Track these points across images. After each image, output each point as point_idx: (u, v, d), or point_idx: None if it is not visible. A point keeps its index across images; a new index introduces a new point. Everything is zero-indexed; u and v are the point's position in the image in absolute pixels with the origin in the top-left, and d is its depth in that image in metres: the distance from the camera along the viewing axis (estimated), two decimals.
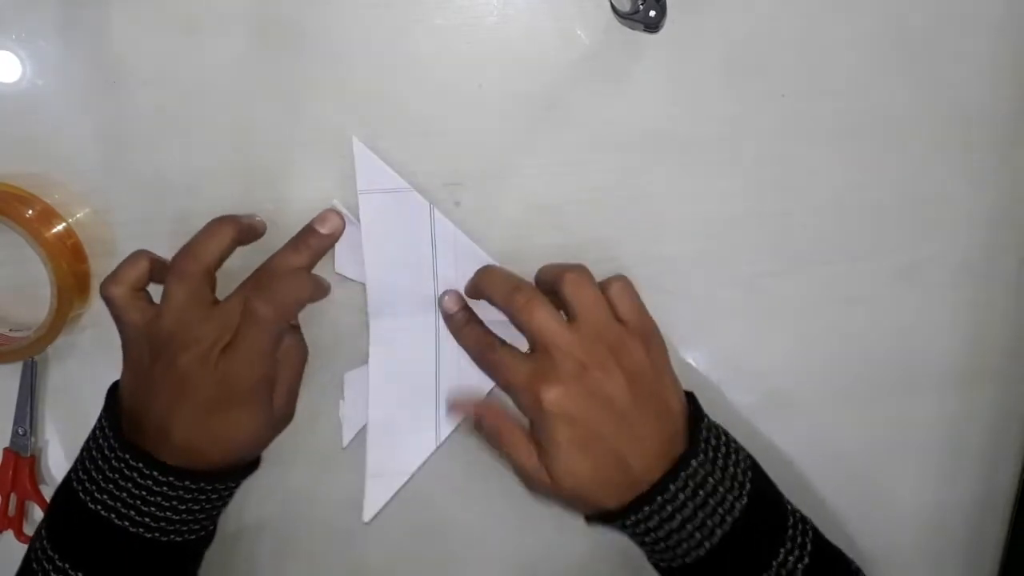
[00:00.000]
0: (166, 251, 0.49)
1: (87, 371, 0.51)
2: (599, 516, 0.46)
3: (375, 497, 0.52)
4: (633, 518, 0.44)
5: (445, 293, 0.49)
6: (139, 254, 0.45)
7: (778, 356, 0.54)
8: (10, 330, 0.49)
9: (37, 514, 0.53)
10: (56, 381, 0.51)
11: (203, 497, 0.44)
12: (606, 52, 0.49)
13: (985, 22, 0.50)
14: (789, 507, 0.47)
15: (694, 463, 0.44)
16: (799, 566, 0.44)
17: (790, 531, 0.45)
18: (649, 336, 0.47)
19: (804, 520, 0.47)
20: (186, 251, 0.44)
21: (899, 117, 0.51)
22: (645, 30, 0.47)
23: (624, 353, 0.45)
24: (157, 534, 0.43)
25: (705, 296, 0.52)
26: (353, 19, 0.47)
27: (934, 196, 0.53)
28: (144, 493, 0.42)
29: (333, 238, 0.48)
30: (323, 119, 0.48)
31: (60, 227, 0.48)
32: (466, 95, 0.49)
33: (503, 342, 0.47)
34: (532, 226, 0.51)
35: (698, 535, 0.43)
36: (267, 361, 0.44)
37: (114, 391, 0.46)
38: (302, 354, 0.48)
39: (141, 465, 0.42)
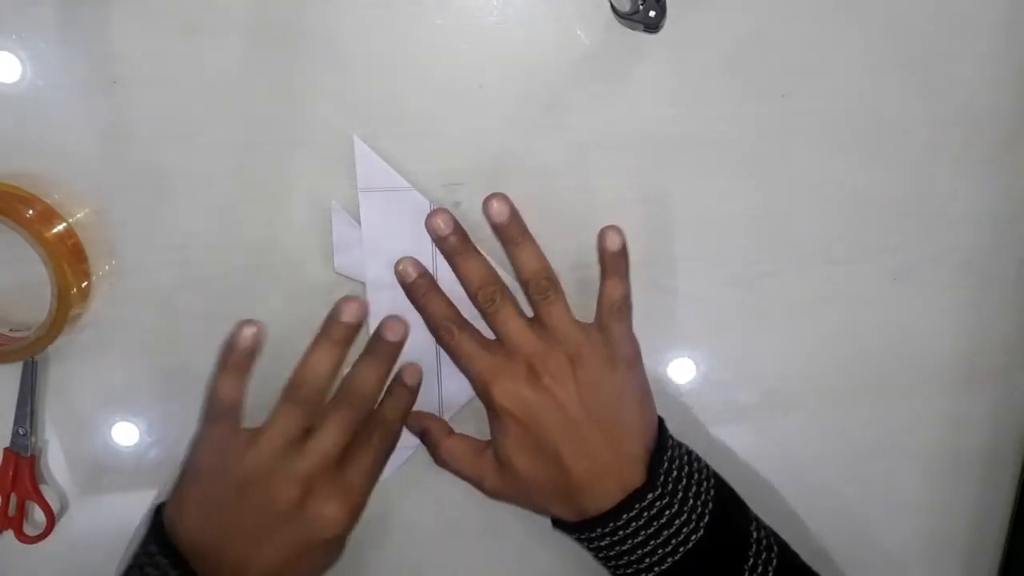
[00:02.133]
0: (165, 252, 0.49)
1: (87, 371, 0.51)
2: (557, 523, 0.47)
3: None
4: (586, 535, 0.45)
5: (400, 260, 0.48)
6: (229, 367, 0.45)
7: (778, 356, 0.54)
8: (10, 330, 0.49)
9: (37, 514, 0.53)
10: (56, 381, 0.51)
11: None
12: (606, 52, 0.49)
13: (986, 22, 0.50)
14: (755, 535, 0.46)
15: (650, 496, 0.44)
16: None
17: (751, 560, 0.45)
18: (619, 357, 0.46)
19: (770, 548, 0.46)
20: (297, 376, 0.45)
21: (899, 117, 0.51)
22: (645, 30, 0.47)
23: (582, 366, 0.45)
24: None
25: (705, 296, 0.52)
26: (353, 19, 0.47)
27: (934, 196, 0.53)
28: None
29: (400, 345, 0.47)
30: (323, 119, 0.48)
31: (60, 227, 0.48)
32: (466, 95, 0.49)
33: (464, 323, 0.47)
34: (531, 226, 0.51)
35: (648, 560, 0.44)
36: (363, 504, 0.45)
37: (159, 512, 0.45)
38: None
39: None
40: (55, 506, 0.53)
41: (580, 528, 0.45)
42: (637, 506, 0.44)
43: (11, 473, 0.52)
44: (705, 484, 0.46)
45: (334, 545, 0.45)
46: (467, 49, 0.48)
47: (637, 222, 0.51)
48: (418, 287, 0.48)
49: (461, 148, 0.49)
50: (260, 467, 0.43)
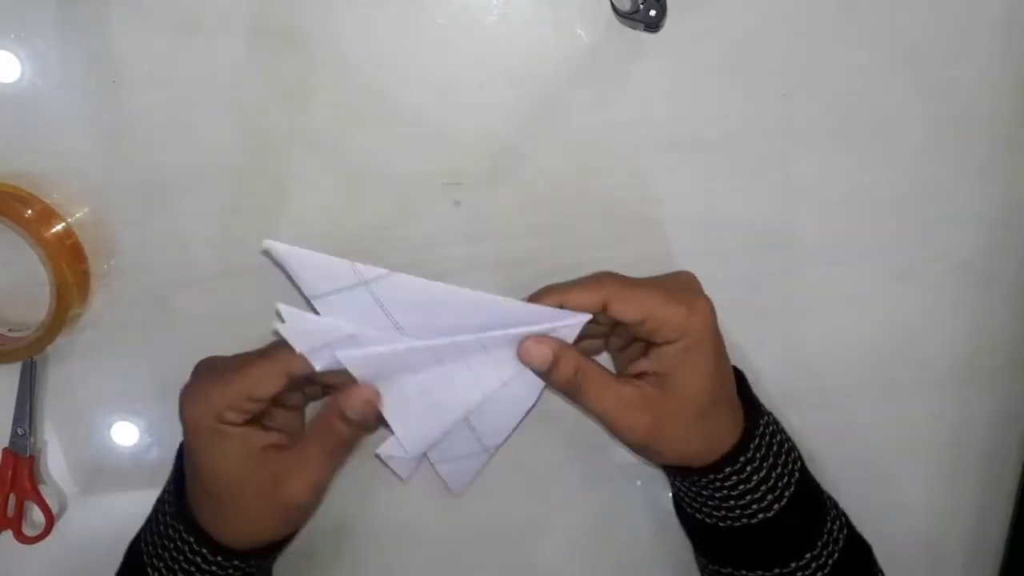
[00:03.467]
0: (165, 252, 0.49)
1: (86, 371, 0.51)
2: (677, 470, 0.47)
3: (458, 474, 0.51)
4: (711, 476, 0.44)
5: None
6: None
7: (778, 356, 0.54)
8: (9, 330, 0.49)
9: (36, 514, 0.53)
10: (55, 381, 0.51)
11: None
12: (606, 52, 0.49)
13: (985, 22, 0.50)
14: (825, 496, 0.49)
15: (762, 422, 0.45)
16: (841, 536, 0.46)
17: (828, 500, 0.48)
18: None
19: (829, 494, 0.49)
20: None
21: (899, 117, 0.51)
22: (645, 30, 0.47)
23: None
24: None
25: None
26: (353, 19, 0.47)
27: (934, 196, 0.53)
28: (192, 568, 0.45)
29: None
30: (323, 119, 0.48)
31: (59, 227, 0.48)
32: (466, 95, 0.49)
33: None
34: (532, 226, 0.51)
35: (769, 496, 0.44)
36: (239, 468, 0.43)
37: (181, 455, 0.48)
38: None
39: (205, 551, 0.44)
40: (54, 506, 0.53)
41: (707, 471, 0.44)
42: (756, 432, 0.44)
43: (10, 473, 0.52)
44: (784, 432, 0.48)
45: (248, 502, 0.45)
46: (467, 49, 0.48)
47: (637, 222, 0.51)
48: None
49: (461, 148, 0.49)
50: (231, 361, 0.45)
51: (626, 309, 0.42)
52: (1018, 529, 0.58)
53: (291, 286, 0.50)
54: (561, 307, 0.43)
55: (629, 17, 0.46)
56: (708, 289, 0.50)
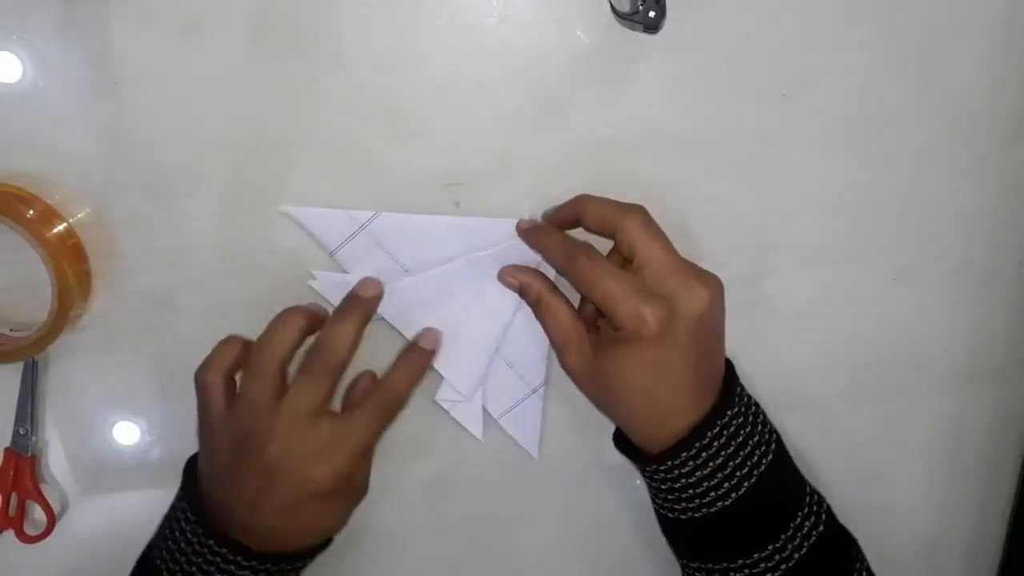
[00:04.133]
0: (165, 252, 0.49)
1: (88, 371, 0.51)
2: (632, 454, 0.47)
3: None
4: (668, 463, 0.44)
5: (520, 220, 0.49)
6: (231, 340, 0.47)
7: (778, 356, 0.54)
8: (11, 330, 0.49)
9: (38, 514, 0.53)
10: (57, 381, 0.51)
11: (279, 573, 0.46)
12: (606, 52, 0.49)
13: (985, 22, 0.50)
14: (803, 477, 0.48)
15: (729, 413, 0.45)
16: (814, 532, 0.46)
17: (807, 497, 0.47)
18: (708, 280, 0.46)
19: (816, 492, 0.48)
20: (260, 346, 0.45)
21: (899, 117, 0.51)
22: (645, 30, 0.47)
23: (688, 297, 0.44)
24: None
25: None
26: (353, 19, 0.47)
27: (934, 196, 0.53)
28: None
29: (373, 302, 0.48)
30: (323, 119, 0.48)
31: (61, 227, 0.48)
32: (466, 95, 0.49)
33: (596, 251, 0.46)
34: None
35: (727, 485, 0.44)
36: (352, 461, 0.45)
37: (191, 468, 0.48)
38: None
39: (225, 551, 0.44)
40: (56, 506, 0.53)
41: (663, 457, 0.44)
42: (719, 422, 0.44)
43: (12, 473, 0.52)
44: (764, 415, 0.47)
45: (329, 501, 0.46)
46: (467, 49, 0.48)
47: None
48: (539, 229, 0.48)
49: (461, 148, 0.49)
50: (244, 428, 0.44)
51: (584, 284, 0.45)
52: (1017, 528, 0.58)
53: (293, 286, 0.50)
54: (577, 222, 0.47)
55: (628, 18, 0.46)
56: None
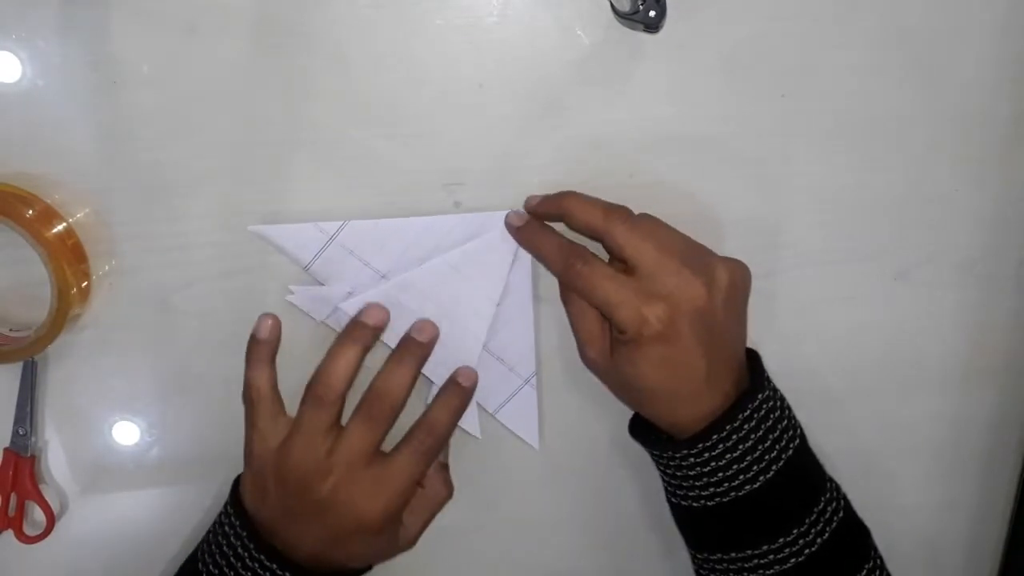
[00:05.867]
0: (165, 252, 0.49)
1: (87, 371, 0.51)
2: (651, 443, 0.48)
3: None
4: (699, 446, 0.45)
5: (508, 213, 0.49)
6: (256, 356, 0.47)
7: (777, 356, 0.54)
8: (10, 330, 0.49)
9: (37, 514, 0.53)
10: (56, 381, 0.51)
11: None
12: (606, 52, 0.49)
13: (985, 22, 0.50)
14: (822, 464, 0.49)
15: (760, 397, 0.45)
16: (835, 518, 0.46)
17: (828, 483, 0.47)
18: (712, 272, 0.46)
19: (833, 479, 0.49)
20: (322, 377, 0.46)
21: (899, 117, 0.51)
22: (645, 30, 0.47)
23: (686, 295, 0.44)
24: None
25: None
26: (353, 19, 0.47)
27: (934, 196, 0.53)
28: None
29: (430, 345, 0.48)
30: (323, 119, 0.48)
31: (60, 227, 0.48)
32: (466, 95, 0.49)
33: (592, 254, 0.46)
34: None
35: (755, 468, 0.44)
36: (400, 500, 0.46)
37: (238, 484, 0.48)
38: (444, 493, 0.50)
39: (275, 566, 0.45)
40: (55, 506, 0.53)
41: (694, 440, 0.45)
42: (750, 405, 0.45)
43: (11, 473, 0.52)
44: (787, 409, 0.48)
45: (376, 536, 0.46)
46: (467, 49, 0.48)
47: None
48: (530, 228, 0.48)
49: (461, 148, 0.49)
50: (294, 462, 0.45)
51: (582, 293, 0.46)
52: (1018, 528, 0.58)
53: (292, 286, 0.50)
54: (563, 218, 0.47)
55: (629, 18, 0.46)
56: None
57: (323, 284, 0.50)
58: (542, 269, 0.50)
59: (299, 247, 0.49)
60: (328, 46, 0.47)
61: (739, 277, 0.47)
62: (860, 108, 0.51)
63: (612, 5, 0.47)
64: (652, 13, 0.45)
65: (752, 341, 0.53)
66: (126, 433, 0.53)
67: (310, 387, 0.46)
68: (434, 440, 0.47)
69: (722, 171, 0.51)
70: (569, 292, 0.48)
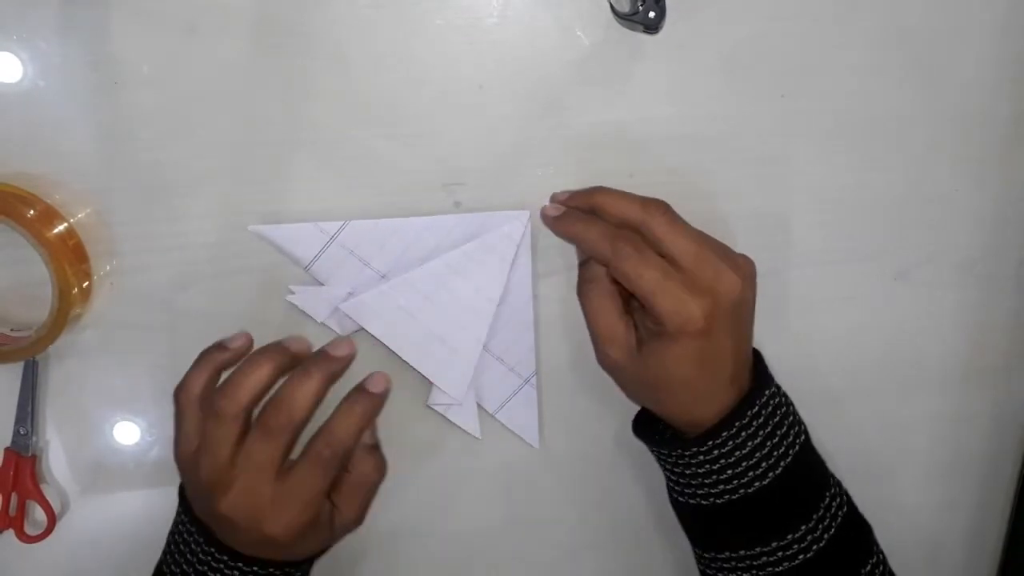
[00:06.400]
0: (165, 252, 0.49)
1: (88, 371, 0.51)
2: (657, 442, 0.47)
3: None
4: (709, 443, 0.45)
5: (544, 206, 0.49)
6: (205, 360, 0.45)
7: (777, 356, 0.54)
8: (11, 330, 0.50)
9: (38, 513, 0.53)
10: (57, 381, 0.52)
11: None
12: (606, 52, 0.49)
13: (985, 22, 0.50)
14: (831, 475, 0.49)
15: (767, 393, 0.45)
16: (839, 513, 0.46)
17: (831, 479, 0.47)
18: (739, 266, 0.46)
19: (834, 475, 0.49)
20: (225, 390, 0.43)
21: (899, 117, 0.51)
22: (645, 31, 0.47)
23: (724, 285, 0.44)
24: None
25: None
26: (353, 19, 0.47)
27: (934, 196, 0.53)
28: None
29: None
30: (323, 119, 0.48)
31: (61, 227, 0.48)
32: (466, 95, 0.49)
33: (640, 239, 0.45)
34: (532, 226, 0.51)
35: (764, 464, 0.44)
36: (304, 514, 0.44)
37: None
38: (374, 477, 0.47)
39: (226, 558, 0.45)
40: (56, 506, 0.53)
41: (705, 437, 0.45)
42: (758, 402, 0.45)
43: (12, 473, 0.52)
44: (792, 406, 0.48)
45: (294, 545, 0.45)
46: (467, 49, 0.48)
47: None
48: (569, 217, 0.47)
49: (461, 148, 0.49)
50: (201, 472, 0.43)
51: (628, 278, 0.44)
52: (1017, 528, 0.58)
53: (292, 286, 0.50)
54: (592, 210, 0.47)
55: (628, 19, 0.46)
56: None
57: (323, 284, 0.50)
58: (541, 269, 0.50)
59: (299, 247, 0.49)
60: (328, 46, 0.47)
61: (753, 271, 0.47)
62: (860, 108, 0.51)
63: (612, 5, 0.47)
64: (652, 14, 0.45)
65: (753, 342, 0.54)
66: (126, 433, 0.53)
67: (213, 399, 0.44)
68: (332, 451, 0.44)
69: (722, 171, 0.51)
70: (589, 287, 0.47)
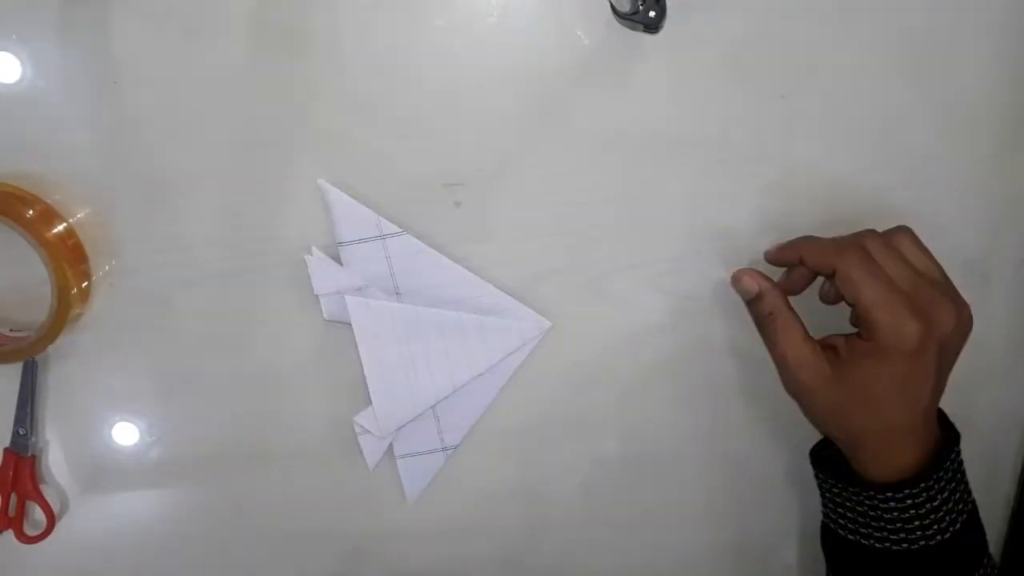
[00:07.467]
0: (165, 252, 0.49)
1: (87, 371, 0.51)
2: (847, 477, 0.47)
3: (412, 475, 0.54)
4: (906, 491, 0.44)
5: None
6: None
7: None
8: (10, 330, 0.49)
9: (37, 514, 0.53)
10: (56, 381, 0.51)
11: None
12: (606, 52, 0.49)
13: (985, 22, 0.50)
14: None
15: (957, 449, 0.45)
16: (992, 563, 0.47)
17: (987, 544, 0.47)
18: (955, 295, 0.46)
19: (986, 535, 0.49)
20: None
21: (899, 117, 0.51)
22: (645, 31, 0.47)
23: (938, 317, 0.44)
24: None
25: (705, 296, 0.52)
26: (353, 20, 0.47)
27: (934, 196, 0.53)
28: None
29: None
30: (323, 120, 0.48)
31: (61, 227, 0.48)
32: (466, 95, 0.49)
33: (868, 250, 0.45)
34: (532, 226, 0.51)
35: (947, 520, 0.44)
36: None
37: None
38: None
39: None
40: (55, 506, 0.53)
41: (914, 481, 0.44)
42: (953, 452, 0.44)
43: (11, 473, 0.52)
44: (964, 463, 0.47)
45: None
46: (467, 49, 0.48)
47: (636, 222, 0.51)
48: (791, 244, 0.49)
49: (461, 148, 0.49)
50: None
51: (848, 291, 0.44)
52: (1017, 528, 0.58)
53: (293, 287, 0.50)
54: (801, 261, 0.47)
55: (629, 18, 0.46)
56: (708, 291, 0.50)
57: (342, 267, 0.50)
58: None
59: (348, 224, 0.49)
60: (328, 46, 0.47)
61: (970, 320, 0.46)
62: (860, 109, 0.51)
63: (612, 5, 0.47)
64: (652, 13, 0.45)
65: (754, 341, 0.53)
66: (126, 433, 0.53)
67: None
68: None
69: (722, 171, 0.51)
70: (770, 318, 0.47)
